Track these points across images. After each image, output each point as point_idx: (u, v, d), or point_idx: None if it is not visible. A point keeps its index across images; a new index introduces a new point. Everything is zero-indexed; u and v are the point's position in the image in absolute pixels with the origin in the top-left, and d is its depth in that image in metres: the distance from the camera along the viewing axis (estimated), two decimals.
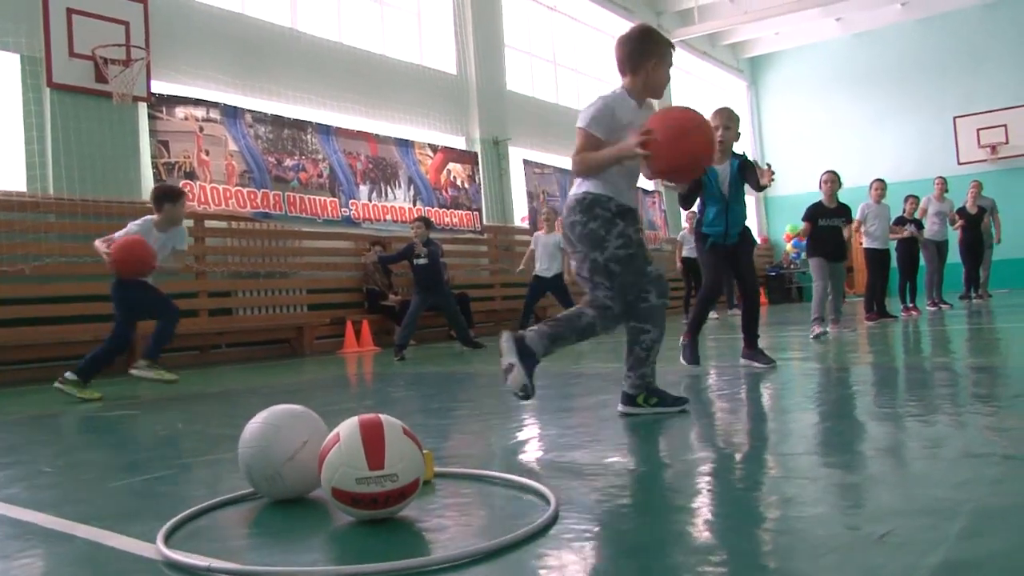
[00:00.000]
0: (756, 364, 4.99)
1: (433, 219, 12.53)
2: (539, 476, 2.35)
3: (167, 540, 1.84)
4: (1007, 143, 19.62)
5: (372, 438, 1.92)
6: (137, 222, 5.83)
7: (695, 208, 5.36)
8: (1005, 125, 19.59)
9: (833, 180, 7.77)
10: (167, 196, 5.95)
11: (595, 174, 3.26)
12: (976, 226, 12.24)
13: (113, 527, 2.02)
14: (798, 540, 1.64)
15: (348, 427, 1.97)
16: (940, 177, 11.78)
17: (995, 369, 4.42)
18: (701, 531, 1.76)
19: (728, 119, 5.07)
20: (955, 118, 20.21)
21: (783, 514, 1.84)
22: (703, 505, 1.97)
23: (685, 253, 12.43)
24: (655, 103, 3.61)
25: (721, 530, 1.74)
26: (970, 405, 3.19)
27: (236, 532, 1.97)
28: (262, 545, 1.84)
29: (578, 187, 3.35)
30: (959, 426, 2.73)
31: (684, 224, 12.65)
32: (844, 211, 7.80)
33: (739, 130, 5.16)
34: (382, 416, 2.01)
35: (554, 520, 1.85)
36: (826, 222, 7.65)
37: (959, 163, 20.03)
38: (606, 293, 3.26)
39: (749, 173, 5.13)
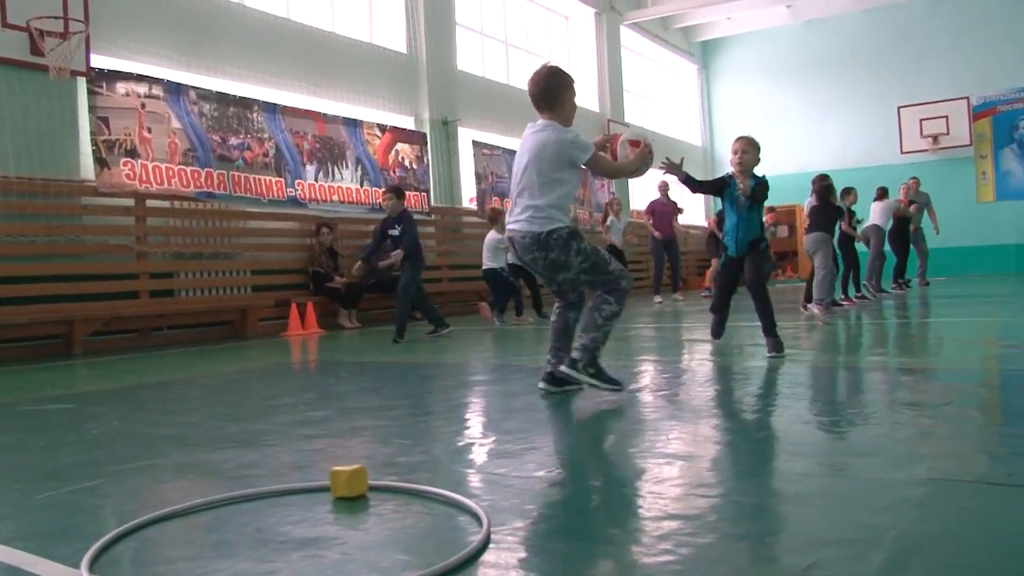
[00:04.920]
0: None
1: (379, 201, 12.44)
2: (474, 490, 2.35)
3: (92, 565, 1.81)
4: (948, 134, 20.05)
5: None
6: None
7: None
8: (946, 116, 20.02)
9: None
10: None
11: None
12: (905, 222, 12.76)
13: (38, 549, 1.97)
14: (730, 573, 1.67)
15: None
16: (881, 187, 12.29)
17: (927, 372, 4.53)
18: (631, 558, 1.77)
19: (748, 144, 5.54)
20: (899, 108, 20.58)
21: (709, 542, 1.86)
22: (633, 530, 1.99)
23: (614, 240, 12.78)
24: None
25: (649, 559, 1.76)
26: (898, 413, 3.26)
27: (163, 555, 1.94)
28: (190, 571, 1.81)
29: (541, 224, 3.84)
30: (886, 438, 2.79)
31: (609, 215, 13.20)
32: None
33: (759, 156, 5.59)
34: None
35: (485, 545, 1.86)
36: None
37: (902, 152, 20.44)
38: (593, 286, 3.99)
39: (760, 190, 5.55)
